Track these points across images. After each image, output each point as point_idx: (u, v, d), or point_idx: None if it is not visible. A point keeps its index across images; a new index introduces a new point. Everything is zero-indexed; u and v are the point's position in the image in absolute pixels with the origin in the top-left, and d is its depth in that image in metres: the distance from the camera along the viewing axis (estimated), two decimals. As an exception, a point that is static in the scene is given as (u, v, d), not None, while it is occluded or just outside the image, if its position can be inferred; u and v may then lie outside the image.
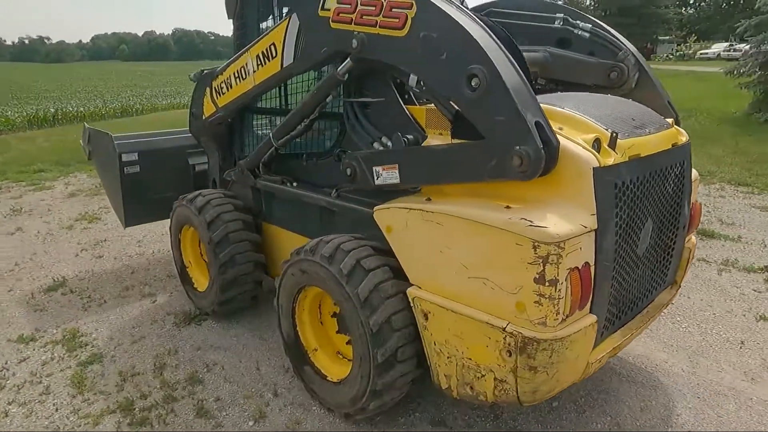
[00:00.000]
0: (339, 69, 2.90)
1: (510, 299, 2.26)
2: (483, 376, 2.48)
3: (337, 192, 3.32)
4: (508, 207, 2.30)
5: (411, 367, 2.75)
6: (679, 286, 3.18)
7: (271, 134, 3.60)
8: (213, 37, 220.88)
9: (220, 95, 4.05)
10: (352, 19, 2.78)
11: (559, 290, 2.15)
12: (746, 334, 3.93)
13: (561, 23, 3.65)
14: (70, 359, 3.69)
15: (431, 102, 2.72)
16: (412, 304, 2.67)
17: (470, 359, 2.49)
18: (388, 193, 2.89)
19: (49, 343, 3.90)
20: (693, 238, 3.31)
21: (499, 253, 2.25)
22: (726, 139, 11.34)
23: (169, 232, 4.51)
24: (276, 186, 3.80)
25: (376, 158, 2.89)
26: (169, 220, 4.46)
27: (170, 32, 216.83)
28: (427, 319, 2.61)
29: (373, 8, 2.66)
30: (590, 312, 2.36)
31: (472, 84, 2.28)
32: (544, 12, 3.75)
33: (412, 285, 2.69)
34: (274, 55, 3.38)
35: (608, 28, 3.54)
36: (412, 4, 2.48)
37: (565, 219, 2.16)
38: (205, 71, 4.20)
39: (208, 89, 4.16)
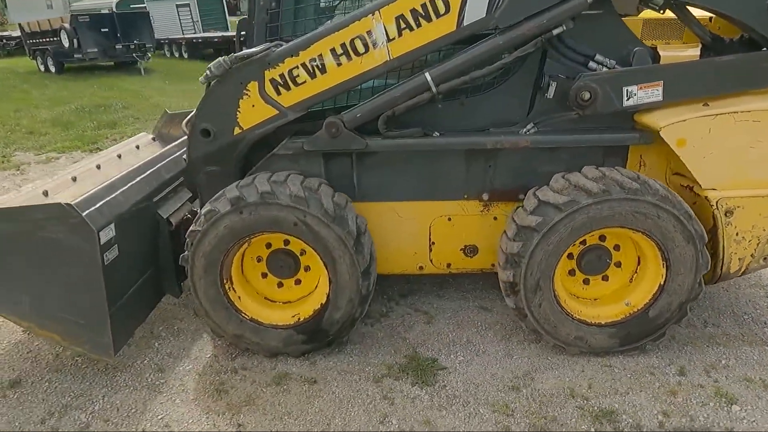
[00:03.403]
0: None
1: (828, 163, 2.84)
2: (788, 241, 2.99)
3: (535, 126, 3.01)
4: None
5: None
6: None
7: (428, 74, 2.83)
8: None
9: (289, 88, 2.90)
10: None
11: None
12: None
13: None
14: None
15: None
16: (714, 207, 2.86)
17: (779, 232, 2.96)
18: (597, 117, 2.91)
19: None
20: None
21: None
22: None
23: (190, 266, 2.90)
24: (414, 142, 3.02)
25: (629, 78, 2.82)
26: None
27: None
28: (732, 214, 2.88)
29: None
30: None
31: None
32: None
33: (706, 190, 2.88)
34: (441, 11, 2.72)
35: None
36: None
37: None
38: (243, 59, 2.83)
39: (254, 85, 2.87)
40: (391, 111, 2.95)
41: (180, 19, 21.18)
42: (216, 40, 17.92)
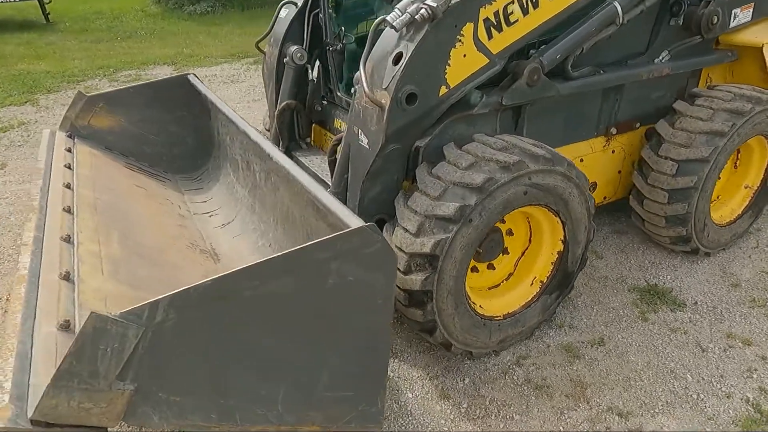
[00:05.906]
0: None
1: None
2: None
3: (669, 54, 3.16)
4: None
5: None
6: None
7: (617, 3, 2.68)
8: None
9: (501, 29, 2.49)
10: None
11: None
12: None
13: None
14: None
15: None
16: None
17: None
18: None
19: None
20: None
21: None
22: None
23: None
24: (603, 78, 2.92)
25: (738, 0, 3.19)
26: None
27: None
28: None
29: None
30: None
31: None
32: None
33: None
34: None
35: None
36: None
37: None
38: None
39: (469, 28, 2.37)
40: (581, 49, 2.75)
41: None
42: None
